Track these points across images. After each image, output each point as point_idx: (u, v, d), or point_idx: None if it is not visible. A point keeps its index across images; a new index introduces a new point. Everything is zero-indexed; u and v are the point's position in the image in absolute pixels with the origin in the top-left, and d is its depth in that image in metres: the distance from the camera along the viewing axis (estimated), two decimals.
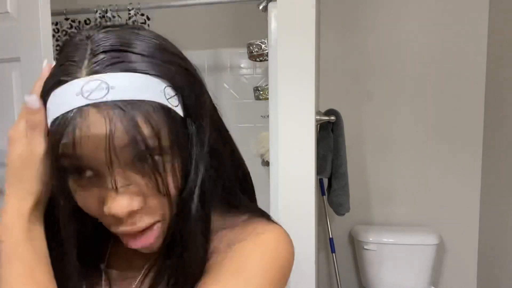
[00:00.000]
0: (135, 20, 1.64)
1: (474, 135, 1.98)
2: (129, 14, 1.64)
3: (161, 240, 0.46)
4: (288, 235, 0.51)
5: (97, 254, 0.54)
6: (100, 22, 1.65)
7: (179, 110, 0.43)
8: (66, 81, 0.40)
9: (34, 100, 0.43)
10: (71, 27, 1.72)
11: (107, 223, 0.45)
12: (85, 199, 0.43)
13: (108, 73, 0.40)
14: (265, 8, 1.41)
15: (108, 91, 0.39)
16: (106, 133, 0.38)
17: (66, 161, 0.41)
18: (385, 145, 2.07)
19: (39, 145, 0.43)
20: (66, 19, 1.72)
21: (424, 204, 2.06)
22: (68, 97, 0.40)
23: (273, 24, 1.36)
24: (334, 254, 1.99)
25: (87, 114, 0.39)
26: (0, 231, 0.44)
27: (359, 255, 1.99)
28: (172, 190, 0.43)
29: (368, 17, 2.04)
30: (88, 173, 0.42)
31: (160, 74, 0.42)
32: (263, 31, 1.40)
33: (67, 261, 0.46)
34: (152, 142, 0.40)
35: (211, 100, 0.50)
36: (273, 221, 0.53)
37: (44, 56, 1.18)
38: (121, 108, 0.39)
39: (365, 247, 1.91)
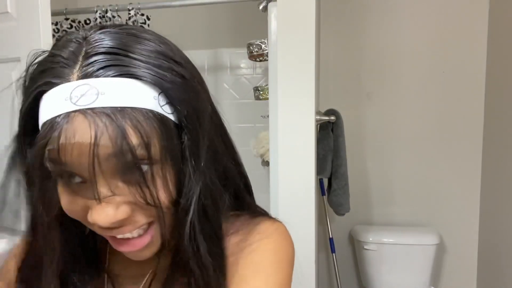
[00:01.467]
0: (135, 20, 1.64)
1: (474, 135, 1.98)
2: (129, 14, 1.64)
3: (154, 249, 0.45)
4: (288, 231, 0.54)
5: (96, 257, 0.53)
6: (100, 22, 1.65)
7: (174, 118, 0.41)
8: (57, 84, 0.39)
9: None
10: (71, 27, 1.72)
11: (93, 228, 0.43)
12: (71, 204, 0.42)
13: (99, 78, 0.38)
14: (265, 8, 1.41)
15: (98, 97, 0.38)
16: (90, 142, 0.37)
17: (53, 166, 0.39)
18: (385, 145, 2.07)
19: None
20: (66, 19, 1.71)
21: (424, 204, 2.06)
22: (57, 101, 0.39)
23: (273, 24, 1.36)
24: (334, 254, 1.99)
25: (74, 121, 0.37)
26: None
27: (359, 255, 1.99)
28: (164, 201, 0.41)
29: (368, 17, 2.04)
30: (76, 179, 0.40)
31: (154, 81, 0.40)
32: (263, 31, 1.40)
33: (50, 270, 0.45)
34: (140, 152, 0.38)
35: (211, 107, 0.48)
36: (274, 218, 0.55)
37: None
38: (108, 116, 0.37)
39: (365, 247, 1.91)
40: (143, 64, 0.40)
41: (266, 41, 1.64)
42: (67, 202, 0.42)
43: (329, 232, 1.99)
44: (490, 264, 1.91)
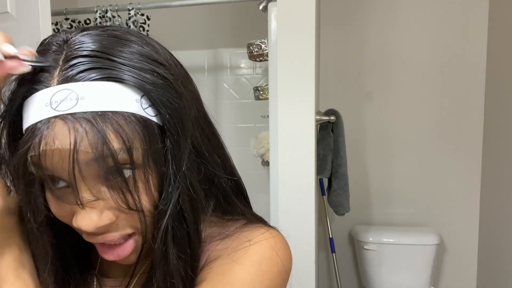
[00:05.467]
0: (135, 20, 1.64)
1: (474, 135, 1.98)
2: (129, 14, 1.64)
3: (138, 254, 0.45)
4: (284, 241, 0.50)
5: (89, 260, 0.53)
6: (100, 22, 1.65)
7: (157, 120, 0.41)
8: (37, 90, 0.39)
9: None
10: (71, 27, 1.72)
11: (79, 232, 0.43)
12: (58, 211, 0.42)
13: (79, 82, 0.38)
14: (265, 8, 1.41)
15: (77, 101, 0.37)
16: (70, 148, 0.37)
17: (37, 170, 0.39)
18: (385, 145, 2.07)
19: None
20: (66, 19, 1.71)
21: (424, 204, 2.06)
22: (38, 107, 0.38)
23: (273, 24, 1.36)
24: (334, 254, 1.99)
25: (54, 126, 0.37)
26: None
27: (359, 255, 1.99)
28: (146, 206, 0.41)
29: (368, 17, 2.04)
30: (61, 183, 0.40)
31: (136, 83, 0.39)
32: (263, 31, 1.40)
33: (45, 272, 0.45)
34: (122, 156, 0.38)
35: (199, 108, 0.47)
36: (270, 226, 0.51)
37: None
38: (89, 121, 0.37)
39: (365, 247, 1.91)
40: (125, 67, 0.39)
41: (266, 41, 1.64)
42: (54, 206, 0.42)
43: (329, 232, 1.99)
44: (490, 264, 1.91)
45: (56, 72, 0.39)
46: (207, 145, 0.47)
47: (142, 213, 0.41)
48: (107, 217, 0.40)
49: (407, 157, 2.06)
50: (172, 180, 0.41)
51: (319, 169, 1.74)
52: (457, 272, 2.05)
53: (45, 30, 1.20)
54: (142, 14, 1.66)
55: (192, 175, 0.43)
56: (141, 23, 1.66)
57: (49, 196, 0.42)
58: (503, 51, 1.81)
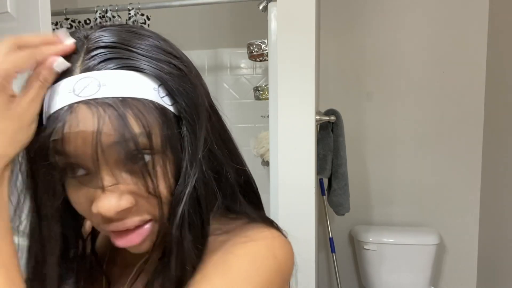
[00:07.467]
0: (135, 20, 1.64)
1: (474, 135, 1.98)
2: (129, 14, 1.64)
3: (152, 241, 0.45)
4: (285, 243, 0.49)
5: (95, 252, 0.54)
6: (100, 22, 1.65)
7: (173, 109, 0.42)
8: (61, 79, 0.41)
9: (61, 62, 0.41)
10: (71, 27, 1.72)
11: (96, 222, 0.44)
12: (77, 198, 0.43)
13: (100, 71, 0.40)
14: (265, 8, 1.41)
15: (100, 88, 0.39)
16: (93, 130, 0.38)
17: (58, 158, 0.40)
18: (385, 145, 2.07)
19: (36, 106, 0.41)
20: (66, 19, 1.71)
21: (424, 204, 2.06)
22: (62, 94, 0.40)
23: (273, 24, 1.36)
24: (334, 254, 1.99)
25: (77, 111, 0.39)
26: None
27: (359, 255, 1.99)
28: (163, 192, 0.42)
29: (368, 17, 2.05)
30: (80, 171, 0.41)
31: (153, 73, 0.41)
32: (263, 31, 1.40)
33: (53, 258, 0.46)
34: (142, 141, 0.39)
35: (210, 103, 0.49)
36: (273, 226, 0.51)
37: None
38: (111, 105, 0.39)
39: (365, 247, 1.91)
40: (142, 57, 0.41)
41: (266, 41, 1.64)
42: (73, 193, 0.43)
43: (329, 232, 1.99)
44: (490, 264, 1.91)
45: (79, 62, 0.41)
46: (218, 139, 0.48)
47: (160, 199, 0.42)
48: (127, 200, 0.41)
49: (407, 157, 2.06)
50: (188, 166, 0.42)
51: (319, 169, 1.74)
52: (457, 272, 2.05)
53: (45, 30, 1.20)
54: (142, 14, 1.66)
55: (206, 165, 0.45)
56: (141, 23, 1.66)
57: (68, 182, 0.43)
58: (503, 51, 1.81)
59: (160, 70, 0.41)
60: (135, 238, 0.43)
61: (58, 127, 0.39)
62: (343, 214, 1.85)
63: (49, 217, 0.44)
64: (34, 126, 0.41)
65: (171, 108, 0.42)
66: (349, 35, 2.07)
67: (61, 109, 0.39)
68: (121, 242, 0.43)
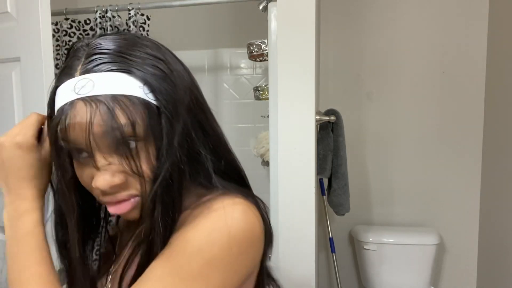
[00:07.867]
0: (135, 20, 1.64)
1: (474, 134, 1.98)
2: (129, 14, 1.64)
3: (139, 212, 0.54)
4: (245, 210, 0.53)
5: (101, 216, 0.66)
6: (100, 22, 1.64)
7: (156, 104, 0.51)
8: (65, 80, 0.51)
9: None
10: (71, 27, 1.72)
11: (96, 194, 0.54)
12: (82, 175, 0.53)
13: (96, 73, 0.50)
14: (265, 8, 1.41)
15: (94, 87, 0.49)
16: (87, 121, 0.48)
17: (65, 144, 0.51)
18: (385, 145, 2.07)
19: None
20: (66, 19, 1.71)
21: (424, 204, 2.06)
22: (66, 93, 0.51)
23: (273, 24, 1.36)
24: (334, 254, 1.99)
25: (76, 106, 0.49)
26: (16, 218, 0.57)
27: (359, 255, 1.99)
28: (146, 172, 0.51)
29: (368, 17, 2.05)
30: (84, 154, 0.52)
31: (139, 74, 0.50)
32: (263, 31, 1.40)
33: (72, 222, 0.56)
34: (127, 130, 0.48)
35: (195, 99, 0.56)
36: (247, 197, 0.56)
37: (44, 56, 1.18)
38: (102, 101, 0.48)
39: (365, 247, 1.91)
40: (132, 62, 0.51)
41: (266, 41, 1.64)
42: (79, 172, 0.54)
43: (329, 232, 2.00)
44: (490, 264, 1.91)
45: (80, 66, 0.51)
46: (197, 130, 0.55)
47: (143, 178, 0.51)
48: (118, 178, 0.51)
49: (407, 157, 2.06)
50: (165, 152, 0.50)
51: (319, 169, 1.74)
52: (457, 272, 2.05)
53: (45, 30, 1.20)
54: (142, 14, 1.66)
55: (182, 151, 0.52)
56: (141, 23, 1.66)
57: (75, 164, 0.54)
58: (503, 51, 1.81)
59: (145, 72, 0.50)
60: (124, 207, 0.53)
61: (62, 118, 0.50)
62: (343, 214, 1.85)
63: (64, 188, 0.55)
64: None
65: (154, 103, 0.50)
66: (349, 35, 2.07)
67: (65, 104, 0.50)
68: (113, 210, 0.53)
